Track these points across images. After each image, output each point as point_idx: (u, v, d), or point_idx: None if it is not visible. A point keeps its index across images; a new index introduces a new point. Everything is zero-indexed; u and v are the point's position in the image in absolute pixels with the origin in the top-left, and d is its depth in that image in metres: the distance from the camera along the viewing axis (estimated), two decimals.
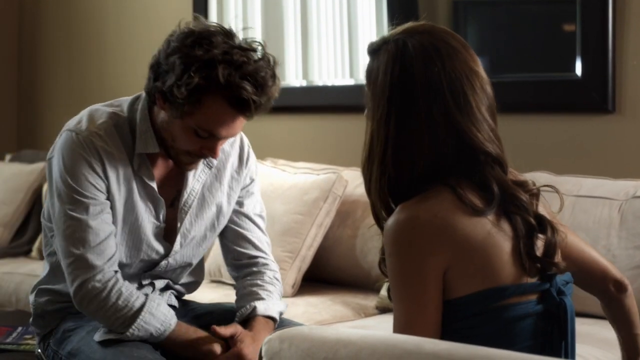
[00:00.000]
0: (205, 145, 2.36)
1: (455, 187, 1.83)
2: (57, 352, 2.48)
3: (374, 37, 4.26)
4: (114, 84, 5.36)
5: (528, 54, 3.80)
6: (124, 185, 2.41)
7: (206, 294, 3.41)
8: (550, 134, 3.69)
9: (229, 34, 2.33)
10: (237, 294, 2.61)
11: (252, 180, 2.63)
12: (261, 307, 2.51)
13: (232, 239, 2.63)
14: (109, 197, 2.39)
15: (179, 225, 2.51)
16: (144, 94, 2.45)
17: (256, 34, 4.67)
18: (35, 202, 4.86)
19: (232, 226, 2.62)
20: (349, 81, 4.36)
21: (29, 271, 4.24)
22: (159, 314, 2.37)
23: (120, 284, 2.36)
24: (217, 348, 2.38)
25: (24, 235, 4.83)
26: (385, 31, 4.22)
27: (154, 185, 2.45)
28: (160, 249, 2.51)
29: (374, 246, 3.71)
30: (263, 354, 1.71)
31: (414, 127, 1.85)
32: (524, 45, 3.82)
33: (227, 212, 2.59)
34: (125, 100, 2.50)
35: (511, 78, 3.75)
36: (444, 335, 1.82)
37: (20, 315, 3.28)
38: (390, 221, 1.84)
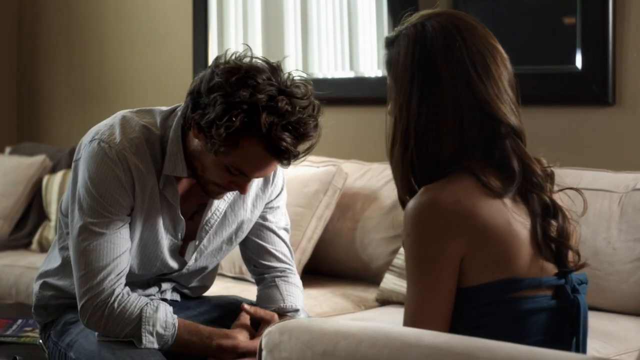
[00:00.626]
0: (235, 181, 2.31)
1: (477, 172, 1.84)
2: (57, 343, 2.48)
3: (373, 30, 4.26)
4: (114, 76, 5.36)
5: (528, 46, 3.79)
6: (148, 203, 2.36)
7: None
8: (550, 126, 3.68)
9: (275, 71, 2.25)
10: (264, 290, 2.58)
11: (277, 196, 2.57)
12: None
13: (255, 251, 2.59)
14: (131, 213, 2.36)
15: (197, 242, 2.48)
16: (179, 110, 2.39)
17: (256, 26, 4.66)
18: (35, 195, 4.86)
19: (255, 239, 2.58)
20: (349, 74, 4.36)
21: (29, 264, 4.24)
22: (155, 337, 2.33)
23: (113, 299, 2.31)
24: (243, 335, 2.38)
25: (24, 228, 4.83)
26: (385, 23, 4.23)
27: (178, 206, 2.40)
28: (174, 265, 2.49)
29: (373, 239, 3.71)
30: (263, 346, 1.71)
31: (438, 103, 1.86)
32: (524, 38, 3.81)
33: (248, 227, 2.56)
34: (158, 112, 2.43)
35: None
36: (455, 323, 1.82)
37: (21, 308, 3.28)
38: (412, 203, 1.83)
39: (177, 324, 2.35)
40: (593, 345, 2.79)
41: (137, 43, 5.24)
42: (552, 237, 1.86)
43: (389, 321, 3.13)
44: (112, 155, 2.31)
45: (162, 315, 2.34)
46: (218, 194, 2.39)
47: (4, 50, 5.84)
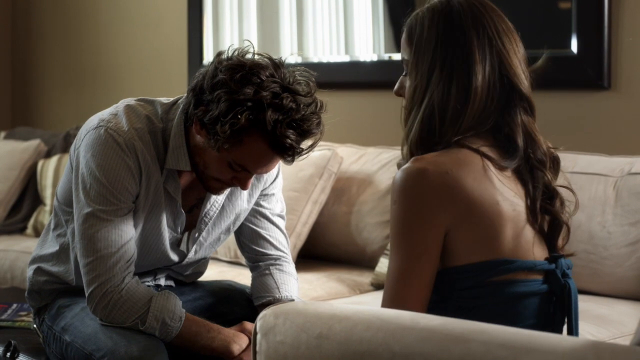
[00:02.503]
0: (237, 177, 2.31)
1: (475, 146, 1.85)
2: (52, 327, 2.48)
3: (369, 14, 4.25)
4: (109, 61, 5.35)
5: (524, 30, 3.77)
6: (153, 195, 2.36)
7: None
8: (545, 110, 3.67)
9: (278, 68, 2.24)
10: (258, 278, 2.58)
11: (272, 182, 2.56)
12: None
13: (249, 237, 2.59)
14: (135, 201, 2.35)
15: (196, 235, 2.48)
16: (180, 103, 2.37)
17: (251, 8, 4.65)
18: (29, 180, 4.85)
19: (250, 225, 2.58)
20: (344, 58, 4.35)
21: (24, 248, 4.24)
22: (159, 324, 2.33)
23: (122, 287, 2.31)
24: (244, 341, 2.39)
25: (19, 213, 4.82)
26: (380, 7, 4.21)
27: (179, 199, 2.40)
28: (175, 258, 2.50)
29: (368, 223, 3.71)
30: (258, 329, 1.71)
31: (464, 74, 1.88)
32: (520, 22, 3.79)
33: (244, 215, 2.56)
34: (159, 104, 2.41)
35: None
36: (445, 304, 1.82)
37: (16, 292, 3.28)
38: (401, 171, 1.84)
39: (183, 318, 2.34)
40: (588, 329, 2.79)
41: (132, 28, 5.23)
42: (549, 209, 1.88)
43: None
44: (120, 142, 2.31)
45: (171, 306, 2.34)
46: (219, 190, 2.39)
47: None
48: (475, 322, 1.55)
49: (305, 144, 2.28)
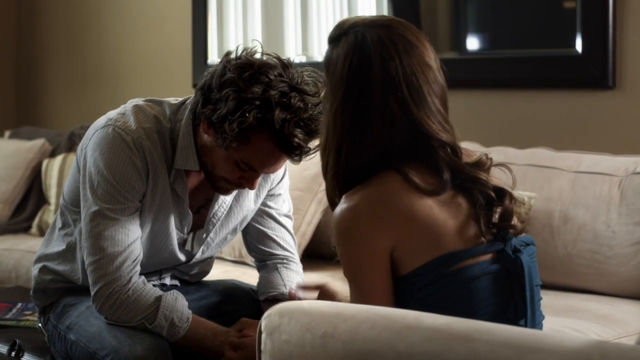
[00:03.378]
0: (244, 177, 2.31)
1: (402, 169, 1.87)
2: (57, 326, 2.48)
3: (373, 12, 4.25)
4: (113, 61, 5.35)
5: (528, 30, 3.78)
6: (159, 194, 2.36)
7: None
8: (550, 110, 3.68)
9: (286, 67, 2.25)
10: (264, 275, 2.58)
11: (279, 182, 2.57)
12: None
13: (256, 237, 2.60)
14: (142, 200, 2.35)
15: (204, 235, 2.49)
16: (189, 103, 2.38)
17: (255, 7, 4.65)
18: (34, 179, 4.86)
19: (257, 226, 2.58)
20: None
21: (28, 248, 4.25)
22: (167, 323, 2.33)
23: (129, 287, 2.31)
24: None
25: (24, 212, 4.82)
26: (385, 6, 4.20)
27: (186, 200, 2.41)
28: (182, 258, 2.50)
29: None
30: (262, 328, 1.71)
31: (370, 119, 1.88)
32: (524, 21, 3.81)
33: (251, 215, 2.57)
34: (167, 105, 2.42)
35: (511, 54, 3.74)
36: (409, 308, 1.84)
37: (20, 292, 3.28)
38: (335, 212, 1.89)
39: (191, 319, 2.34)
40: (592, 328, 2.79)
41: (137, 27, 5.23)
42: (494, 224, 1.90)
43: None
44: (128, 140, 2.31)
45: (180, 307, 2.34)
46: (228, 191, 2.40)
47: (3, 34, 5.83)
48: (480, 322, 1.55)
49: (313, 143, 2.28)
